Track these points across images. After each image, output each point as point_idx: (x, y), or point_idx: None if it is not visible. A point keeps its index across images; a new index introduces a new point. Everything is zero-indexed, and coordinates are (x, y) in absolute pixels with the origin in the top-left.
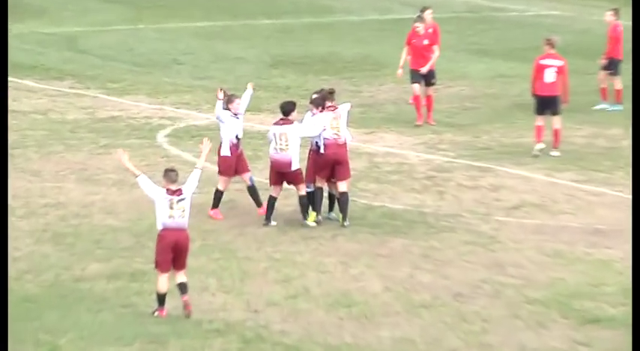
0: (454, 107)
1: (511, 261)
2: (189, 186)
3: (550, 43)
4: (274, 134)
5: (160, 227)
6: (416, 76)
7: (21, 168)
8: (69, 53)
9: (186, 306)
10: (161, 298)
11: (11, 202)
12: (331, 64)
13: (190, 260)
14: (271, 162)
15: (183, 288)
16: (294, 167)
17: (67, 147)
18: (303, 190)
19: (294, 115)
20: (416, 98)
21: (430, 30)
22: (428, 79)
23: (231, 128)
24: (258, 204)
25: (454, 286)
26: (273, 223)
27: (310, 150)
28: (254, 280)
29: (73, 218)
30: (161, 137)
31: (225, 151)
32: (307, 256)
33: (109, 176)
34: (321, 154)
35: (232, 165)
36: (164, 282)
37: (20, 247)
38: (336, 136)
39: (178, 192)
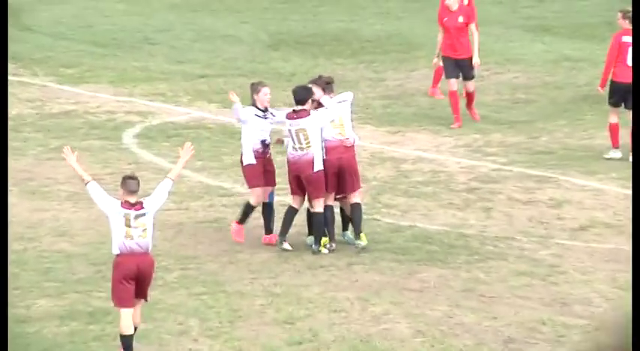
0: (504, 100)
1: (577, 297)
2: (155, 199)
3: (629, 16)
4: (289, 131)
5: (116, 251)
6: (451, 67)
7: None
8: (11, 30)
9: None
10: (127, 343)
11: None
12: (347, 45)
13: (165, 296)
14: (288, 165)
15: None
16: (316, 168)
17: (9, 150)
18: (320, 205)
19: (310, 104)
20: (452, 94)
21: (466, 1)
22: (467, 70)
23: (255, 130)
24: (268, 229)
25: (505, 328)
26: (286, 245)
27: None
28: (248, 321)
29: (17, 242)
30: (128, 138)
31: (249, 159)
32: (316, 291)
33: (62, 188)
34: (323, 159)
35: (261, 172)
36: (128, 320)
37: None
38: (340, 136)
39: (138, 206)
